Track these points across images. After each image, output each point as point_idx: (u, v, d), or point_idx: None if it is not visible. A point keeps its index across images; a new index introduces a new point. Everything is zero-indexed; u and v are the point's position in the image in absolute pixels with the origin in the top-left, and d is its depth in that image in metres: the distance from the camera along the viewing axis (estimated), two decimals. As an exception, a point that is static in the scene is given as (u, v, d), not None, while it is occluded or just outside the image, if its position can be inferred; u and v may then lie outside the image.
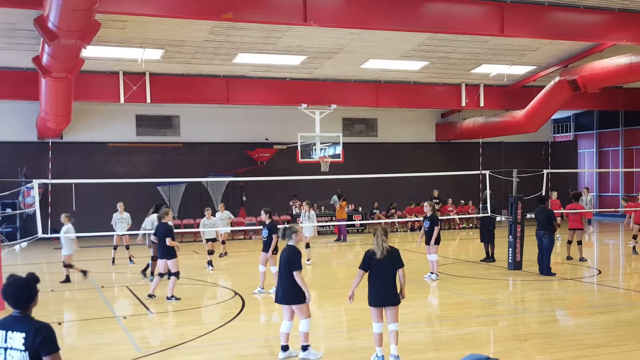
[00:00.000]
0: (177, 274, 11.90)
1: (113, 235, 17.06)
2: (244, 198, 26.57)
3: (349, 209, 25.62)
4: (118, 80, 21.48)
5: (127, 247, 17.31)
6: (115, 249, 17.31)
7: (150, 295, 11.89)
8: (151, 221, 14.23)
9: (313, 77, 23.67)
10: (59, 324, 9.94)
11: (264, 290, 12.40)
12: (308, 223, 17.03)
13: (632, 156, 30.20)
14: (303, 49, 20.07)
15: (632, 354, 7.82)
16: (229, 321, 10.11)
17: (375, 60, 21.92)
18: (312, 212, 17.55)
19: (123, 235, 17.04)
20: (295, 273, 7.52)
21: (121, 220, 17.19)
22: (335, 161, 20.21)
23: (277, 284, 8.11)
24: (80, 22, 11.55)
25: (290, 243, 7.80)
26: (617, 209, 26.33)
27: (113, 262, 17.16)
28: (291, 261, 7.60)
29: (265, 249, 12.31)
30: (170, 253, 11.83)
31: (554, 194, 21.11)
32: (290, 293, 7.65)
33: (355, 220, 25.78)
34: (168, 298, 11.78)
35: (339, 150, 20.16)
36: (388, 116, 29.39)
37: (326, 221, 24.33)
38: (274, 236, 12.12)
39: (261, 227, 12.91)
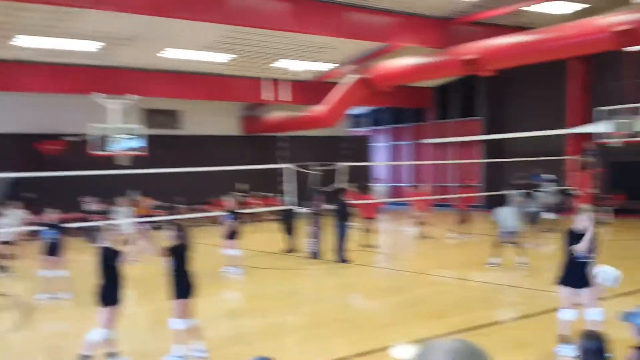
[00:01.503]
0: None
1: None
2: (29, 195, 24.43)
3: (151, 205, 24.90)
4: None
5: None
6: None
7: None
8: None
9: (110, 64, 22.48)
10: None
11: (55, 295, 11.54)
12: (124, 219, 16.57)
13: (418, 149, 32.88)
14: (97, 34, 18.96)
15: (413, 331, 8.54)
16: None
17: (174, 50, 21.45)
18: (128, 208, 17.23)
19: None
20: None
21: None
22: (137, 154, 19.55)
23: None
24: None
25: (105, 245, 7.37)
26: (406, 198, 28.52)
27: None
28: (108, 260, 7.31)
29: (52, 252, 11.39)
30: None
31: (351, 186, 22.31)
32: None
33: (157, 216, 25.09)
34: None
35: (140, 142, 19.53)
36: (194, 108, 28.96)
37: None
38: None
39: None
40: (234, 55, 22.54)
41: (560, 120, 25.10)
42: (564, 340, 7.25)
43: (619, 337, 5.04)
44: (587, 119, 24.06)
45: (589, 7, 19.59)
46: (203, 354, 7.52)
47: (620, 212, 22.54)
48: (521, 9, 19.00)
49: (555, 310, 9.42)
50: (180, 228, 7.62)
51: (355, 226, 20.77)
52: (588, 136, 22.82)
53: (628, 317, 4.62)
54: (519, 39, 18.87)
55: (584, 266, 7.19)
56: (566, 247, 7.30)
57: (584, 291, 7.22)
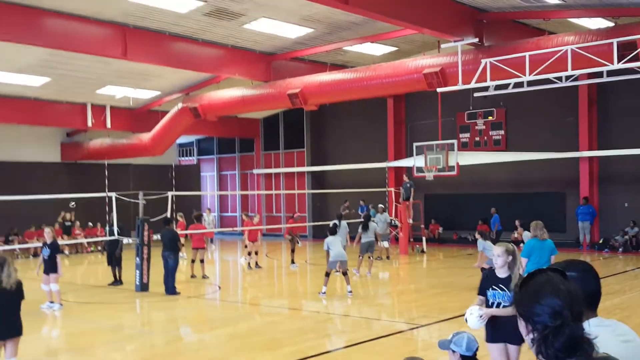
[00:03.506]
0: None
1: None
2: None
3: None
4: None
5: None
6: None
7: None
8: None
9: None
10: None
11: None
12: None
13: (246, 179, 33.21)
14: None
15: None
16: None
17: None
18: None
19: None
20: None
21: None
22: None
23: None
24: None
25: None
26: (236, 228, 28.60)
27: None
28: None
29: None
30: None
31: (180, 216, 22.01)
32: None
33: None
34: None
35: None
36: (6, 132, 26.82)
37: None
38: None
39: None
40: (48, 79, 21.40)
41: (383, 153, 26.73)
42: None
43: None
44: (406, 153, 25.89)
45: (398, 49, 21.32)
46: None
47: (433, 241, 24.47)
48: (339, 48, 20.19)
49: (384, 337, 9.99)
50: (1, 262, 6.99)
51: (184, 257, 20.48)
52: (405, 169, 24.49)
53: (443, 344, 4.77)
54: (338, 77, 19.98)
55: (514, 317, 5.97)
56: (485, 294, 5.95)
57: (514, 348, 5.85)
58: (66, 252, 24.09)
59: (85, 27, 16.32)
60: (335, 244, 13.68)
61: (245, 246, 19.68)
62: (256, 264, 18.98)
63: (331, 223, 15.97)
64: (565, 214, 22.93)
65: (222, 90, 22.77)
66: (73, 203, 15.56)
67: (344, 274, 13.86)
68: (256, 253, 19.04)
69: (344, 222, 16.81)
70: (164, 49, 18.25)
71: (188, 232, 18.41)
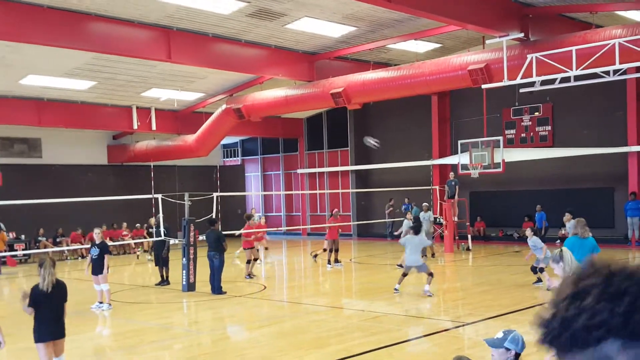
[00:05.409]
0: None
1: None
2: None
3: (10, 237, 23.33)
4: None
5: None
6: None
7: None
8: None
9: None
10: None
11: None
12: None
13: (290, 179, 33.32)
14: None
15: (292, 361, 8.60)
16: None
17: (35, 77, 20.53)
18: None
19: None
20: None
21: None
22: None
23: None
24: None
25: None
26: (281, 228, 28.73)
27: None
28: None
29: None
30: None
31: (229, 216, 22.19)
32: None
33: (17, 250, 23.55)
34: None
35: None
36: (54, 136, 27.56)
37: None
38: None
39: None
40: (94, 83, 21.86)
41: (427, 151, 26.46)
42: None
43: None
44: (450, 151, 25.58)
45: (442, 46, 21.04)
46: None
47: (478, 238, 24.10)
48: (383, 46, 20.03)
49: (429, 335, 9.87)
50: (40, 264, 7.10)
51: (231, 256, 20.63)
52: (450, 167, 24.20)
53: (494, 342, 4.67)
54: (382, 75, 19.80)
55: None
56: None
57: None
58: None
59: (131, 31, 16.62)
60: (412, 247, 13.29)
61: (266, 248, 20.00)
62: (336, 260, 18.90)
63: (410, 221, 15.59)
64: (614, 210, 22.32)
65: (266, 91, 22.89)
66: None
67: (429, 275, 13.24)
68: (337, 250, 18.89)
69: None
70: (207, 50, 18.43)
71: (241, 231, 18.35)
